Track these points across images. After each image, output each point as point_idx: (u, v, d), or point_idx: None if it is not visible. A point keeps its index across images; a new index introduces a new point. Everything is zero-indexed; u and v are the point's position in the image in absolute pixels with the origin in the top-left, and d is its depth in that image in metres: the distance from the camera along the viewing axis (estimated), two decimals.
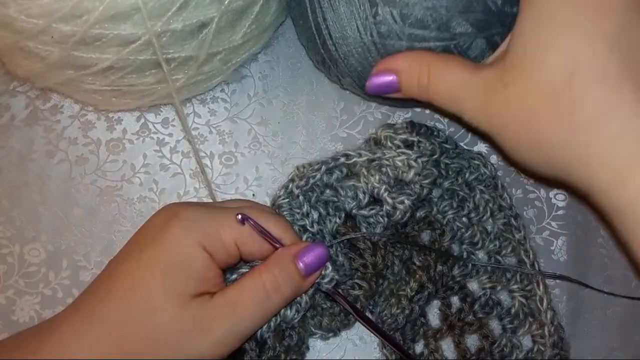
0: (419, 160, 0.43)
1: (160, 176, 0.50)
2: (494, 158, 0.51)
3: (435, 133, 0.46)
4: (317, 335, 0.44)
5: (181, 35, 0.41)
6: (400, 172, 0.43)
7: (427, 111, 0.53)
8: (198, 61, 0.43)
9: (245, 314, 0.36)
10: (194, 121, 0.51)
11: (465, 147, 0.50)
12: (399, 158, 0.43)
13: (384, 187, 0.43)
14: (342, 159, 0.44)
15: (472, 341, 0.46)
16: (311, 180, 0.43)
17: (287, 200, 0.42)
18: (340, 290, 0.43)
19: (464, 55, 0.43)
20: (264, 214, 0.39)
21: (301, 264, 0.38)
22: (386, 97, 0.42)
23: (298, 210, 0.42)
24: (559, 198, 0.51)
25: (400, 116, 0.52)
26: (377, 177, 0.43)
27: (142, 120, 0.51)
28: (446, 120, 0.52)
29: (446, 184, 0.47)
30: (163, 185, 0.50)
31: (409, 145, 0.44)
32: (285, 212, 0.42)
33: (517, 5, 0.42)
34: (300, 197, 0.42)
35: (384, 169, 0.43)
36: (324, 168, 0.43)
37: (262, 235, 0.38)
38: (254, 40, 0.47)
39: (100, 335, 0.34)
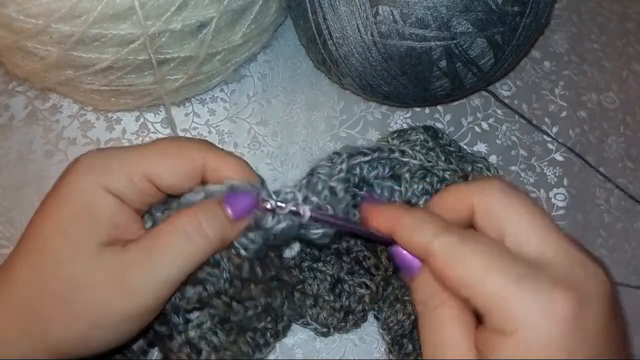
0: (461, 180, 0.42)
1: None
2: (493, 158, 0.51)
3: (439, 135, 0.46)
4: (311, 327, 0.44)
5: (180, 35, 0.41)
6: (444, 186, 0.42)
7: (427, 110, 0.53)
8: (197, 61, 0.43)
9: (163, 258, 0.32)
10: (194, 121, 0.51)
11: (465, 147, 0.50)
12: (448, 172, 0.43)
13: (424, 198, 0.41)
14: (397, 154, 0.42)
15: None
16: (360, 159, 0.41)
17: (329, 164, 0.40)
18: (346, 283, 0.43)
19: (466, 55, 0.43)
20: (219, 153, 0.36)
21: (228, 206, 0.34)
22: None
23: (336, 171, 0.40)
24: (559, 198, 0.51)
25: (400, 116, 0.52)
26: (420, 187, 0.42)
27: (142, 120, 0.50)
28: (446, 119, 0.52)
29: None
30: None
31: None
32: (322, 172, 0.40)
33: (518, 4, 0.42)
34: (344, 165, 0.40)
35: (428, 179, 0.42)
36: (377, 155, 0.41)
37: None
38: (253, 40, 0.46)
39: (9, 295, 0.32)
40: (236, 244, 0.36)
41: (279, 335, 0.42)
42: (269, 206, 0.35)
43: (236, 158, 0.37)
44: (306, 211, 0.36)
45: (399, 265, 0.34)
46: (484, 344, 0.29)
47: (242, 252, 0.37)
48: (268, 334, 0.41)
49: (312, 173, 0.40)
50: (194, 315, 0.38)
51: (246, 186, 0.35)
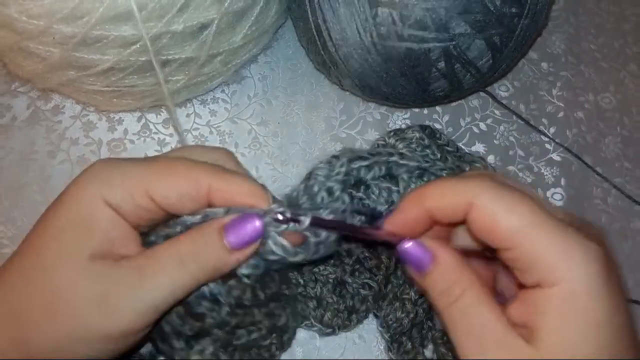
0: None
1: None
2: (491, 158, 0.52)
3: (437, 135, 0.46)
4: (315, 329, 0.44)
5: (182, 37, 0.41)
6: None
7: (426, 111, 0.53)
8: (198, 62, 0.44)
9: (152, 282, 0.31)
10: (195, 121, 0.51)
11: (464, 147, 0.50)
12: (446, 172, 0.43)
13: None
14: (396, 157, 0.41)
15: None
16: (360, 163, 0.40)
17: (327, 166, 0.39)
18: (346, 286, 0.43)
19: (464, 56, 0.43)
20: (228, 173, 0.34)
21: (227, 238, 0.32)
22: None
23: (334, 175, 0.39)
24: (556, 198, 0.51)
25: (399, 116, 0.53)
26: (418, 186, 0.42)
27: (143, 120, 0.51)
28: (444, 120, 0.53)
29: None
30: None
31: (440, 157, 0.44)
32: (320, 174, 0.39)
33: (515, 5, 0.43)
34: (343, 168, 0.39)
35: (426, 179, 0.42)
36: (376, 159, 0.41)
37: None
38: (254, 41, 0.47)
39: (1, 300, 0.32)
40: (237, 272, 0.35)
41: (284, 346, 0.42)
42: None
43: (245, 181, 0.34)
44: (305, 219, 0.33)
45: (410, 264, 0.33)
46: (526, 307, 0.29)
47: (245, 279, 0.35)
48: (273, 347, 0.41)
49: (309, 177, 0.40)
50: (197, 340, 0.37)
51: (246, 210, 0.33)
